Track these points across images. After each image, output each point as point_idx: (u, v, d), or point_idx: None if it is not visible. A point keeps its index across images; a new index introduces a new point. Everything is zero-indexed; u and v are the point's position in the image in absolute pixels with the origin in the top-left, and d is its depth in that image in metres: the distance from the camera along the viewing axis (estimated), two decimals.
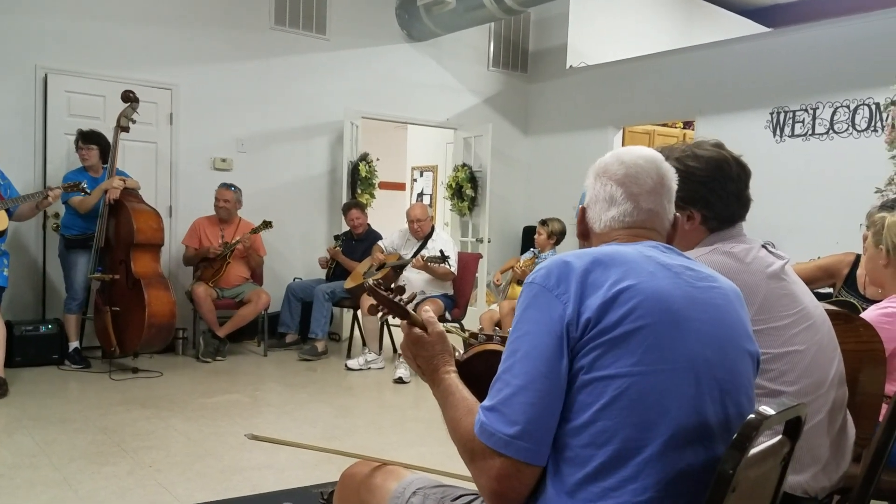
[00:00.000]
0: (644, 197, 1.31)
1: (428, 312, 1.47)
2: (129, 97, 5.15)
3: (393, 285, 1.54)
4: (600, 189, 1.34)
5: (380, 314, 1.52)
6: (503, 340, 1.48)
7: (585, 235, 1.39)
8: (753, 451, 1.08)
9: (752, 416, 1.06)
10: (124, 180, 5.12)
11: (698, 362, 1.13)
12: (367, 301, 5.96)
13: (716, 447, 1.13)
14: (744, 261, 1.58)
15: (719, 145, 1.71)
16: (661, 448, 1.08)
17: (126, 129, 5.15)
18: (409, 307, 1.48)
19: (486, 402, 1.16)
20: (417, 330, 1.44)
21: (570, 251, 1.23)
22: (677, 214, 1.37)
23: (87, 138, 5.18)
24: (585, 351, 1.11)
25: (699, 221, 1.67)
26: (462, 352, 1.54)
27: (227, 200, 5.82)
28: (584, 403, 1.10)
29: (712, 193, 1.65)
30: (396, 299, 1.48)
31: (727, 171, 1.67)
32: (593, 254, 1.19)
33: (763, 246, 1.66)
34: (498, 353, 1.36)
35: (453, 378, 1.35)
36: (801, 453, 1.53)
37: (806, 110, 5.72)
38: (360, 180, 6.88)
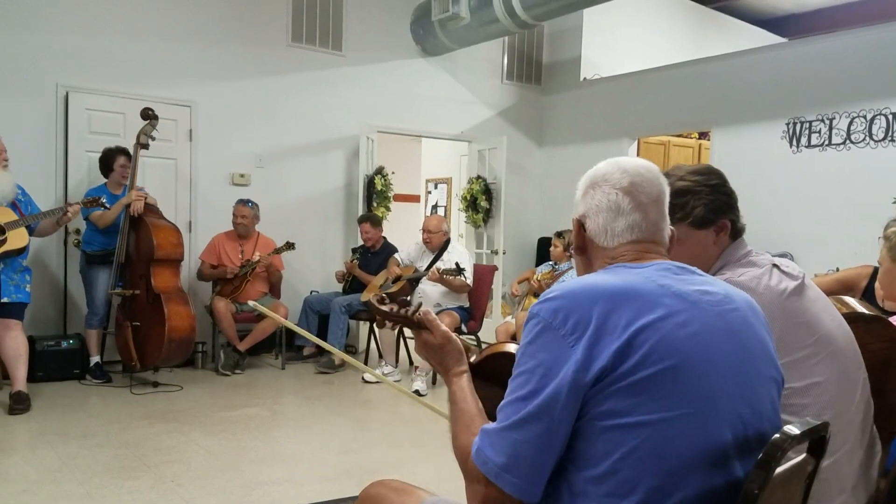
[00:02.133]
0: (651, 207, 1.26)
1: (429, 314, 1.48)
2: (148, 115, 5.22)
3: (392, 298, 1.57)
4: (602, 198, 1.27)
5: (388, 326, 1.57)
6: None
7: (584, 250, 1.31)
8: (779, 469, 1.08)
9: (777, 435, 1.06)
10: (145, 195, 5.18)
11: (720, 400, 1.09)
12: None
13: (735, 472, 1.10)
14: (756, 290, 1.52)
15: (696, 165, 1.73)
16: (687, 496, 1.05)
17: (145, 147, 5.21)
18: (413, 314, 1.50)
19: (487, 426, 1.14)
20: (424, 334, 1.47)
21: (579, 278, 1.18)
22: (673, 229, 1.32)
23: (129, 155, 5.26)
24: (601, 398, 1.05)
25: (729, 231, 1.65)
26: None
27: (245, 216, 5.87)
28: (604, 452, 1.06)
29: (728, 196, 1.65)
30: (396, 311, 1.51)
31: (721, 174, 1.68)
32: (602, 286, 1.12)
33: (775, 266, 1.62)
34: (511, 357, 1.36)
35: (462, 383, 1.36)
36: (828, 485, 1.48)
37: (822, 120, 5.69)
38: (375, 194, 6.92)
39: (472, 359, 1.45)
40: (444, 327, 1.47)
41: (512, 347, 1.43)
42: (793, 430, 1.08)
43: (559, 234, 5.88)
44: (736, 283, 1.44)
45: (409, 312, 1.50)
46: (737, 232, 1.67)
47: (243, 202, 5.93)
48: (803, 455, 1.21)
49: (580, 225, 1.31)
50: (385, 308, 1.52)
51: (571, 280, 1.18)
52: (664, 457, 1.04)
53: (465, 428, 1.25)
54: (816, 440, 1.21)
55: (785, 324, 1.51)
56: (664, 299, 1.11)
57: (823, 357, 1.55)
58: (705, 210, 1.62)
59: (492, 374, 1.41)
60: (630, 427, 1.04)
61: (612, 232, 1.26)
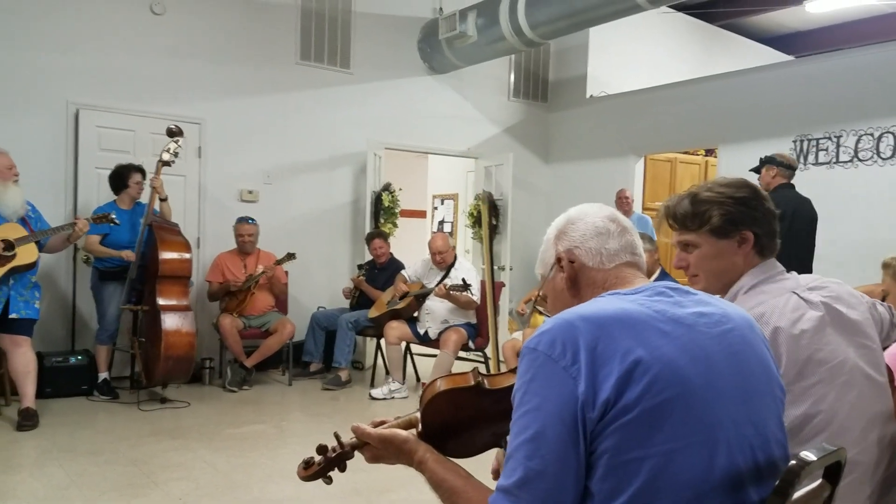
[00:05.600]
0: (633, 232, 1.32)
1: (356, 430, 1.41)
2: (173, 131, 5.21)
3: (319, 451, 1.46)
4: (587, 228, 1.30)
5: (330, 476, 1.46)
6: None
7: (574, 280, 1.31)
8: (795, 495, 1.08)
9: (794, 462, 1.06)
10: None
11: (726, 425, 1.08)
12: (391, 329, 5.93)
13: (749, 497, 1.10)
14: (767, 325, 1.53)
15: (737, 179, 1.74)
16: None
17: (168, 164, 5.21)
18: (344, 445, 1.44)
19: (501, 483, 1.09)
20: (365, 449, 1.42)
21: (573, 308, 1.15)
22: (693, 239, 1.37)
23: (144, 172, 5.31)
24: (607, 433, 1.03)
25: (752, 243, 1.65)
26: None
27: (251, 234, 5.91)
28: (615, 490, 1.03)
29: (755, 210, 1.65)
30: (325, 458, 1.43)
31: (757, 190, 1.68)
32: (598, 315, 1.10)
33: (795, 293, 1.62)
34: (441, 392, 1.34)
35: (430, 465, 1.29)
36: None
37: (829, 138, 5.70)
38: (382, 210, 6.95)
39: (419, 428, 1.39)
40: (374, 430, 1.39)
41: (439, 382, 1.38)
42: (809, 456, 1.08)
43: None
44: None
45: (338, 447, 1.44)
46: (763, 248, 1.67)
47: (245, 220, 5.96)
48: (819, 481, 1.21)
49: (568, 260, 1.31)
50: (315, 467, 1.44)
51: (566, 310, 1.14)
52: (677, 489, 1.03)
53: (465, 501, 1.21)
54: (832, 466, 1.20)
55: (792, 360, 1.53)
56: (661, 325, 1.10)
57: (835, 387, 1.54)
58: (722, 220, 1.64)
59: (442, 421, 1.36)
60: (639, 461, 1.03)
61: (608, 253, 1.28)
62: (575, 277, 1.31)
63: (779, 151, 5.96)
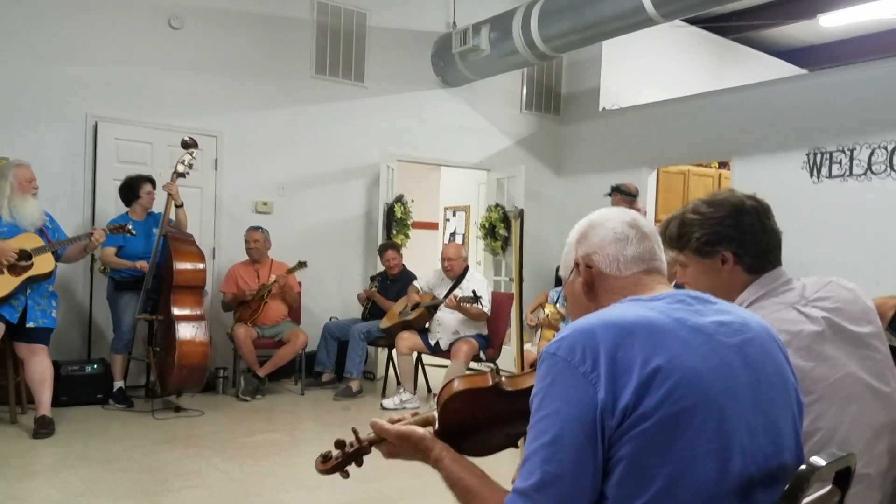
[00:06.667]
0: (654, 238, 1.31)
1: (374, 425, 1.42)
2: (187, 143, 5.28)
3: (337, 445, 1.48)
4: (606, 233, 1.30)
5: (348, 470, 1.47)
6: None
7: (591, 286, 1.31)
8: (804, 501, 1.09)
9: (804, 467, 1.08)
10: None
11: (742, 434, 1.09)
12: (402, 340, 5.95)
13: (759, 503, 1.11)
14: None
15: (731, 190, 1.75)
16: None
17: (183, 175, 5.27)
18: (361, 440, 1.45)
19: (517, 485, 1.09)
20: (383, 445, 1.43)
21: (594, 313, 1.16)
22: (681, 258, 1.37)
23: (154, 183, 5.37)
24: (625, 440, 1.04)
25: (733, 262, 1.67)
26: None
27: (257, 241, 5.97)
28: (631, 495, 1.05)
29: (733, 229, 1.67)
30: (343, 452, 1.45)
31: (741, 206, 1.69)
32: (617, 321, 1.11)
33: (796, 308, 1.62)
34: (468, 392, 1.35)
35: (446, 463, 1.30)
36: None
37: (843, 151, 5.69)
38: (395, 221, 6.99)
39: (436, 426, 1.40)
40: (392, 426, 1.40)
41: (456, 382, 1.39)
42: (818, 461, 1.09)
43: None
44: None
45: (356, 441, 1.45)
46: (750, 266, 1.68)
47: (254, 228, 6.05)
48: (829, 487, 1.22)
49: (586, 265, 1.32)
50: (332, 461, 1.46)
51: (586, 316, 1.15)
52: (691, 495, 1.04)
53: (480, 501, 1.21)
54: (842, 472, 1.21)
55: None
56: (681, 334, 1.11)
57: (833, 403, 1.54)
58: (698, 242, 1.70)
59: (459, 420, 1.37)
60: (655, 468, 1.04)
61: (625, 260, 1.28)
62: (592, 283, 1.32)
63: (792, 164, 5.99)
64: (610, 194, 6.17)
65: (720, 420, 1.07)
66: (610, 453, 1.06)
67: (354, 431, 1.48)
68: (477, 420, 1.37)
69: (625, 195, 5.88)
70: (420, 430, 1.38)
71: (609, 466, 1.06)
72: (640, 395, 1.04)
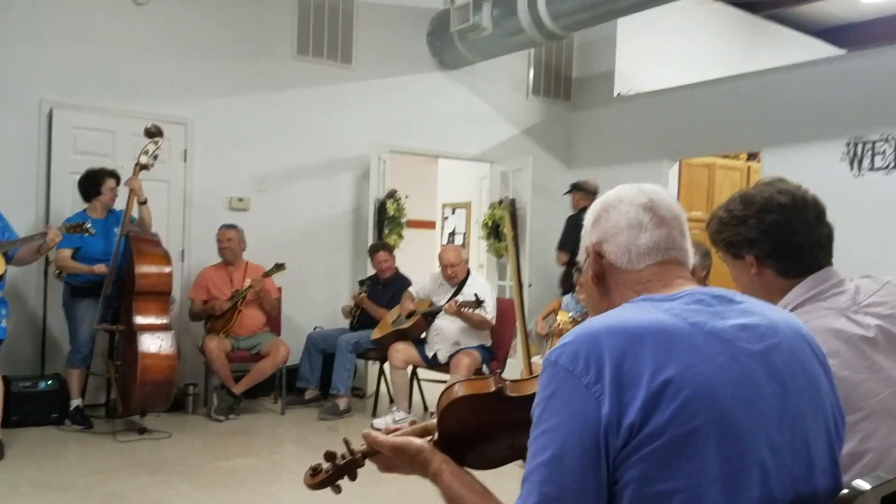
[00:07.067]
0: (674, 223, 1.27)
1: (366, 437, 1.44)
2: (152, 132, 5.26)
3: (327, 458, 1.49)
4: (619, 217, 1.28)
5: (339, 485, 1.48)
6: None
7: (602, 279, 1.30)
8: None
9: (845, 491, 1.05)
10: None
11: (764, 454, 1.07)
12: (396, 352, 5.94)
13: None
14: None
15: (777, 181, 1.73)
16: None
17: (147, 168, 5.25)
18: (353, 452, 1.47)
19: None
20: (377, 458, 1.44)
21: (599, 317, 1.14)
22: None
23: (118, 178, 5.35)
24: (632, 462, 1.03)
25: (757, 265, 1.69)
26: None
27: (230, 239, 5.94)
28: None
29: (755, 230, 1.67)
30: (333, 465, 1.46)
31: (767, 205, 1.67)
32: (626, 328, 1.09)
33: (845, 315, 1.60)
34: (470, 398, 1.35)
35: (444, 478, 1.31)
36: None
37: (887, 140, 5.67)
38: (387, 219, 6.97)
39: (435, 436, 1.40)
40: (386, 438, 1.42)
41: (457, 387, 1.39)
42: (862, 485, 1.07)
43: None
44: None
45: (348, 453, 1.46)
46: (781, 270, 1.69)
47: (228, 226, 6.03)
48: None
49: (596, 253, 1.30)
50: (322, 475, 1.47)
51: (592, 319, 1.14)
52: None
53: None
54: (890, 497, 1.19)
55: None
56: (696, 341, 1.09)
57: (881, 422, 1.52)
58: (725, 244, 1.76)
59: (460, 429, 1.38)
60: (669, 493, 1.02)
61: (637, 251, 1.26)
62: (603, 275, 1.31)
63: (830, 156, 5.97)
64: (570, 192, 6.65)
65: (739, 439, 1.05)
66: (616, 476, 1.04)
67: (346, 442, 1.48)
68: (480, 429, 1.37)
69: (587, 192, 6.23)
70: (417, 441, 1.38)
71: (616, 490, 1.05)
72: (649, 411, 1.02)
